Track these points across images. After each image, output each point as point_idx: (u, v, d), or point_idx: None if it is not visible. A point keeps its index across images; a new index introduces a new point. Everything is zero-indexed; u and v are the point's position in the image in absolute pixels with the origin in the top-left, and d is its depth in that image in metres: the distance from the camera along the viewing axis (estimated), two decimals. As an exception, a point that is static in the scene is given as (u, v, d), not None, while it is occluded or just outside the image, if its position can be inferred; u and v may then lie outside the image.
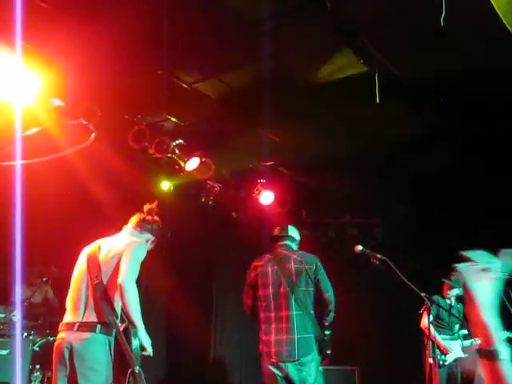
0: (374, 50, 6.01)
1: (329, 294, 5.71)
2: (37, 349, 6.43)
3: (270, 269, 5.66)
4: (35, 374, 6.37)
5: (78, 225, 7.78)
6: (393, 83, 6.54)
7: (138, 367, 3.77)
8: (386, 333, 9.14)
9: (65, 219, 7.54)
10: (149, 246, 4.55)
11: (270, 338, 5.38)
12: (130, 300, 3.92)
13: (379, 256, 4.78)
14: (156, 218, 4.59)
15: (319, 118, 7.57)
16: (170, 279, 8.98)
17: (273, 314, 5.43)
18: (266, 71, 6.58)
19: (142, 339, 3.96)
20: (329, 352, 5.54)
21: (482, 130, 7.43)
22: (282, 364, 5.23)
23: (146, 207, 4.60)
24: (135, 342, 3.82)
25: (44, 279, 7.35)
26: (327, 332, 5.65)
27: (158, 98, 7.08)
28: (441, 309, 7.36)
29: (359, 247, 4.90)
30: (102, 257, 4.22)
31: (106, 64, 6.12)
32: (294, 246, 5.99)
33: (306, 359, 5.25)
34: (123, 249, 4.19)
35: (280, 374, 5.27)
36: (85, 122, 3.04)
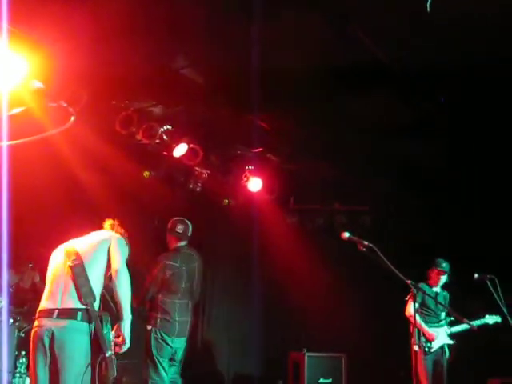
0: (364, 36, 5.97)
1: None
2: (23, 335, 6.40)
3: (183, 266, 6.54)
4: (21, 360, 6.35)
5: (64, 209, 7.73)
6: (382, 70, 6.53)
7: (109, 352, 3.74)
8: (373, 320, 9.20)
9: (51, 203, 7.49)
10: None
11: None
12: (125, 288, 3.95)
13: (366, 243, 4.77)
14: (122, 230, 4.58)
15: (308, 106, 7.54)
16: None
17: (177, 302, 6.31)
18: (254, 58, 6.54)
19: (125, 331, 3.94)
20: None
21: (472, 118, 7.44)
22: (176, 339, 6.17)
23: (108, 223, 4.56)
24: (106, 328, 3.80)
25: (30, 265, 7.32)
26: None
27: (146, 83, 7.02)
28: (426, 296, 7.38)
29: (346, 234, 4.88)
30: (80, 244, 4.20)
31: (93, 48, 6.05)
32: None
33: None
34: (108, 237, 4.18)
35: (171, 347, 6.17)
36: (64, 105, 3.01)
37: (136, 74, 6.72)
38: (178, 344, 6.21)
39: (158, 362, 6.02)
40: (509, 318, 6.23)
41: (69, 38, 5.82)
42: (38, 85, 3.08)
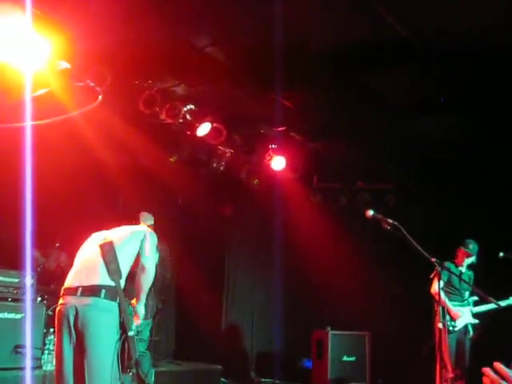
0: (386, 13, 5.89)
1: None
2: (50, 313, 6.50)
3: None
4: (49, 338, 6.46)
5: (88, 189, 7.81)
6: (404, 47, 6.44)
7: (132, 332, 3.76)
8: (397, 298, 9.18)
9: (76, 184, 7.57)
10: None
11: None
12: (148, 282, 4.06)
13: (390, 221, 4.74)
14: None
15: (331, 84, 7.48)
16: (180, 246, 9.03)
17: None
18: (278, 36, 6.50)
19: (140, 311, 4.04)
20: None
21: (497, 95, 7.33)
22: None
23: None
24: (129, 309, 3.85)
25: (57, 245, 7.41)
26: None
27: (169, 62, 7.02)
28: (452, 275, 7.35)
29: (370, 212, 4.85)
30: (113, 232, 4.24)
31: (115, 28, 6.06)
32: None
33: None
34: (141, 229, 4.24)
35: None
36: (92, 84, 3.01)
37: (159, 53, 6.72)
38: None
39: None
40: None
41: (91, 18, 5.83)
42: (65, 65, 3.09)
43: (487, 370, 1.68)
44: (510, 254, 6.38)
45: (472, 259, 7.58)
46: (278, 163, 9.18)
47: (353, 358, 9.50)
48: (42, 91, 2.98)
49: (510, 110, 7.56)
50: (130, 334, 3.73)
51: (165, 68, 7.20)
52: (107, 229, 4.31)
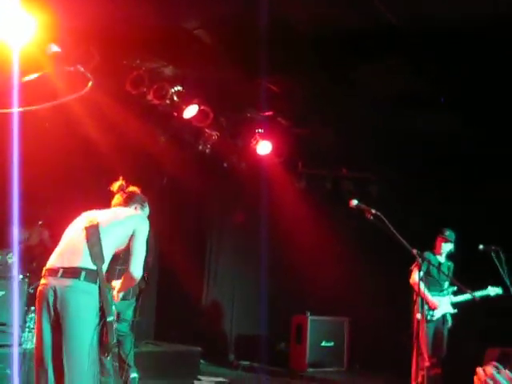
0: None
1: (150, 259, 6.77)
2: (32, 291, 6.48)
3: None
4: (30, 316, 6.44)
5: (75, 169, 7.79)
6: (392, 35, 6.45)
7: (111, 317, 3.76)
8: (377, 287, 9.26)
9: (62, 162, 7.53)
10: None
11: None
12: (131, 285, 4.19)
13: (373, 211, 4.77)
14: (132, 188, 4.52)
15: (318, 70, 7.49)
16: (164, 227, 9.02)
17: None
18: (265, 21, 6.49)
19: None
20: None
21: (484, 91, 7.37)
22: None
23: (116, 185, 4.48)
24: (110, 294, 3.84)
25: (40, 222, 7.39)
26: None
27: (157, 43, 6.99)
28: (431, 265, 7.44)
29: (354, 201, 4.87)
30: (102, 213, 4.15)
31: (104, 7, 6.01)
32: None
33: None
34: (133, 221, 4.13)
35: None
36: (82, 69, 2.98)
37: (148, 33, 6.68)
38: (121, 306, 6.29)
39: None
40: (510, 289, 6.28)
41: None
42: (55, 48, 3.05)
43: (479, 370, 1.71)
44: (489, 247, 6.44)
45: (450, 247, 7.64)
46: (263, 147, 9.20)
47: (331, 343, 9.61)
48: (33, 76, 2.94)
49: (497, 106, 7.62)
50: (109, 319, 3.71)
51: (153, 48, 7.17)
52: (97, 208, 4.27)
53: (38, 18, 5.40)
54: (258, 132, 9.11)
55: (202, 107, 8.14)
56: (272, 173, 9.87)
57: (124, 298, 6.45)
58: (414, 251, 5.18)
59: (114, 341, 3.76)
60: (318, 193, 10.48)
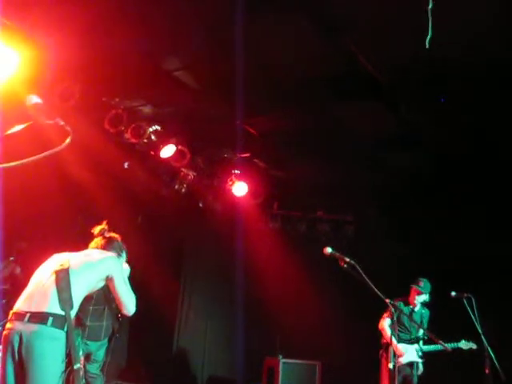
0: (356, 48, 6.02)
1: None
2: (0, 329, 6.35)
3: None
4: (-2, 354, 6.31)
5: (49, 205, 7.72)
6: (370, 83, 6.60)
7: (78, 364, 3.68)
8: (349, 330, 9.24)
9: (37, 199, 7.47)
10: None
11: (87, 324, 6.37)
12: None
13: (347, 259, 4.79)
14: (113, 234, 4.53)
15: (296, 114, 7.60)
16: (138, 263, 8.93)
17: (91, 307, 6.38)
18: (242, 64, 6.60)
19: None
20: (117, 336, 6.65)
21: (458, 132, 7.53)
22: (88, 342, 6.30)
23: (98, 229, 4.48)
24: (77, 340, 3.79)
25: (11, 258, 7.29)
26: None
27: (137, 82, 7.03)
28: (402, 314, 7.54)
29: (328, 249, 4.85)
30: (74, 256, 4.11)
31: (85, 43, 6.07)
32: None
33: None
34: (102, 257, 4.13)
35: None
36: (62, 123, 2.98)
37: (127, 72, 6.74)
38: (93, 346, 6.36)
39: None
40: (482, 337, 6.32)
41: (61, 32, 5.82)
42: (36, 100, 3.05)
43: None
44: (461, 294, 6.50)
45: (424, 297, 7.66)
46: (239, 188, 9.23)
47: (303, 387, 9.51)
48: (16, 128, 2.93)
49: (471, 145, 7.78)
50: (76, 366, 3.64)
51: (132, 87, 7.21)
52: (71, 247, 4.24)
53: (20, 54, 5.44)
54: (235, 173, 9.14)
55: (179, 147, 8.17)
56: (248, 213, 9.89)
57: (96, 339, 6.38)
58: (387, 300, 5.23)
59: None
60: (293, 234, 10.51)
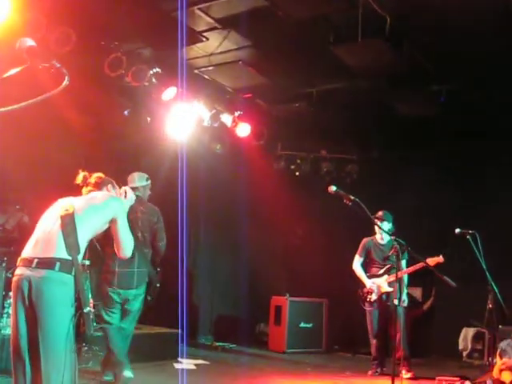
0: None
1: (161, 243, 6.51)
2: (10, 275, 6.40)
3: None
4: (8, 301, 6.35)
5: (51, 152, 7.70)
6: (375, 21, 6.47)
7: (88, 308, 3.73)
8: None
9: (38, 146, 7.44)
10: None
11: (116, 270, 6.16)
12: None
13: (352, 197, 4.80)
14: (97, 174, 4.39)
15: (301, 53, 7.49)
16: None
17: None
18: (249, 2, 6.47)
19: None
20: (158, 285, 6.43)
21: (461, 69, 7.45)
22: (121, 291, 6.13)
23: (80, 178, 4.42)
24: (86, 284, 3.84)
25: (17, 207, 7.30)
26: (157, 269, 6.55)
27: (136, 24, 6.90)
28: (371, 248, 7.82)
29: (333, 188, 4.87)
30: (78, 200, 4.10)
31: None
32: (141, 194, 6.42)
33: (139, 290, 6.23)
34: (111, 206, 4.10)
35: (118, 299, 6.15)
36: (58, 65, 2.91)
37: (126, 14, 6.60)
38: (127, 295, 6.12)
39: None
40: (486, 273, 6.38)
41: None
42: (30, 42, 2.97)
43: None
44: (466, 231, 6.52)
45: (387, 225, 7.43)
46: (242, 130, 9.16)
47: (310, 325, 9.68)
48: (11, 72, 2.86)
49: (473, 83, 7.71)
50: (86, 310, 3.70)
51: (131, 30, 7.08)
52: (75, 192, 4.22)
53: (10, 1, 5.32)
54: (237, 114, 9.06)
55: (180, 89, 8.07)
56: (251, 155, 9.85)
57: (127, 287, 6.10)
58: (393, 237, 5.25)
59: (92, 331, 3.75)
60: (298, 174, 10.50)
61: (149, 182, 6.56)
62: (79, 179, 4.35)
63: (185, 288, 8.68)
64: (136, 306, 6.21)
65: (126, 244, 4.10)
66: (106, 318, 6.09)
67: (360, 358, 9.12)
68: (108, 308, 6.12)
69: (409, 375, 7.31)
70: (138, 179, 6.45)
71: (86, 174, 4.38)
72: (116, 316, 6.13)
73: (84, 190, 4.35)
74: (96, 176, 4.39)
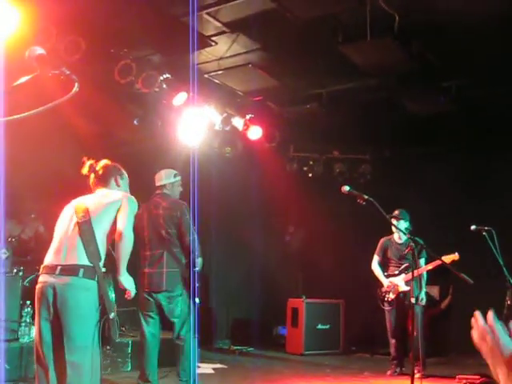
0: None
1: (186, 238, 6.03)
2: (27, 284, 6.46)
3: (144, 215, 6.07)
4: (26, 310, 6.41)
5: (63, 160, 7.73)
6: (383, 20, 6.46)
7: (113, 313, 3.75)
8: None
9: (50, 154, 7.48)
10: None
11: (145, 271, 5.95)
12: (127, 248, 3.95)
13: (366, 197, 4.77)
14: (103, 162, 4.36)
15: (310, 54, 7.48)
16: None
17: (148, 253, 6.03)
18: (257, 5, 6.47)
19: (125, 283, 3.96)
20: (197, 285, 6.07)
21: (470, 66, 7.41)
22: (153, 293, 5.90)
23: (86, 168, 4.35)
24: (110, 289, 3.81)
25: (32, 216, 7.35)
26: (196, 269, 6.09)
27: (145, 30, 6.92)
28: (389, 247, 7.78)
29: (346, 188, 4.85)
30: (90, 201, 4.10)
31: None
32: (169, 192, 6.29)
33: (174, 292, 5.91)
34: (118, 198, 4.07)
35: (153, 302, 5.92)
36: (68, 72, 2.92)
37: (135, 21, 6.62)
38: (161, 299, 5.87)
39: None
40: (504, 269, 6.32)
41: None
42: (40, 51, 2.98)
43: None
44: (481, 227, 6.47)
45: (404, 224, 7.38)
46: (254, 133, 9.16)
47: (327, 326, 9.65)
48: (21, 80, 2.88)
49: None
50: (111, 315, 3.73)
51: (140, 36, 7.10)
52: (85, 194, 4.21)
53: (21, 10, 5.35)
54: (249, 117, 9.06)
55: (191, 94, 8.09)
56: (264, 157, 9.85)
57: (158, 290, 5.81)
58: (408, 236, 5.21)
59: (117, 336, 3.78)
60: (310, 176, 10.48)
61: (177, 178, 6.37)
62: (85, 169, 4.32)
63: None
64: (176, 310, 5.84)
65: (126, 223, 4.01)
66: (143, 323, 5.87)
67: (378, 358, 9.07)
68: (145, 312, 5.89)
69: (417, 375, 6.96)
70: (165, 176, 6.32)
71: (92, 162, 4.35)
72: (152, 321, 5.88)
73: (91, 179, 4.32)
74: (102, 165, 4.35)
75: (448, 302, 9.60)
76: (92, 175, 4.31)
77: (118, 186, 4.35)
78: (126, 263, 3.99)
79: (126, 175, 4.48)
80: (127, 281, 4.01)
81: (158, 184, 6.32)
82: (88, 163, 4.34)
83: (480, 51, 7.00)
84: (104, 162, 4.39)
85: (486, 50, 6.97)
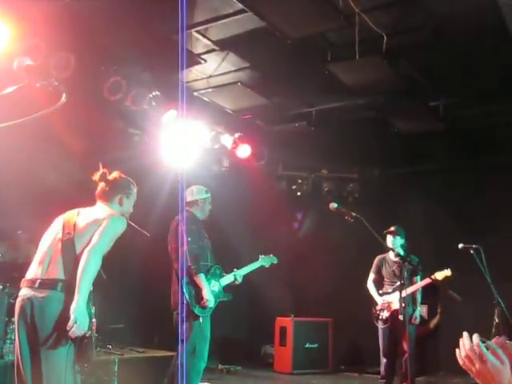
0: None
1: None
2: (12, 301, 6.38)
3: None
4: (11, 327, 6.33)
5: (48, 175, 7.69)
6: (372, 39, 6.52)
7: (89, 331, 3.70)
8: (359, 287, 9.27)
9: (36, 169, 7.44)
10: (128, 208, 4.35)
11: None
12: (89, 269, 3.70)
13: (354, 214, 4.80)
14: (115, 174, 4.31)
15: (299, 73, 7.53)
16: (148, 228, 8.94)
17: None
18: (246, 24, 6.52)
19: (76, 312, 3.57)
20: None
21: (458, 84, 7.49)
22: None
23: (98, 175, 4.28)
24: (89, 307, 3.73)
25: (19, 232, 7.28)
26: None
27: (135, 48, 6.94)
28: (382, 265, 7.62)
29: (334, 205, 4.87)
30: (81, 218, 4.06)
31: (82, 14, 5.97)
32: (199, 209, 6.37)
33: None
34: (105, 217, 4.01)
35: None
36: (56, 83, 2.94)
37: (125, 39, 6.64)
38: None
39: None
40: (492, 287, 6.32)
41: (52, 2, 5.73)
42: (28, 62, 3.00)
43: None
44: (469, 246, 6.48)
45: (400, 241, 7.41)
46: (243, 151, 9.18)
47: (315, 345, 9.61)
48: (8, 90, 2.88)
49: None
50: (88, 333, 3.68)
51: (130, 54, 7.11)
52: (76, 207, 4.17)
53: (11, 26, 5.35)
54: (237, 136, 9.08)
55: (180, 112, 8.10)
56: (252, 176, 9.86)
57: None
58: (398, 258, 5.23)
59: (94, 354, 3.74)
60: (299, 194, 10.49)
61: (208, 194, 6.37)
62: (97, 176, 4.27)
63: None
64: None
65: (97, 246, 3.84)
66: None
67: (366, 377, 9.03)
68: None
69: None
70: (197, 192, 6.29)
71: (105, 171, 4.30)
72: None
73: (99, 186, 4.27)
74: (113, 178, 4.31)
75: (437, 321, 9.59)
76: (100, 184, 4.28)
77: (121, 205, 4.28)
78: (87, 290, 3.70)
79: (135, 191, 4.41)
80: (80, 312, 3.62)
81: (189, 200, 6.28)
82: (101, 171, 4.30)
83: (468, 69, 7.07)
84: (116, 174, 4.35)
85: (473, 68, 7.04)
